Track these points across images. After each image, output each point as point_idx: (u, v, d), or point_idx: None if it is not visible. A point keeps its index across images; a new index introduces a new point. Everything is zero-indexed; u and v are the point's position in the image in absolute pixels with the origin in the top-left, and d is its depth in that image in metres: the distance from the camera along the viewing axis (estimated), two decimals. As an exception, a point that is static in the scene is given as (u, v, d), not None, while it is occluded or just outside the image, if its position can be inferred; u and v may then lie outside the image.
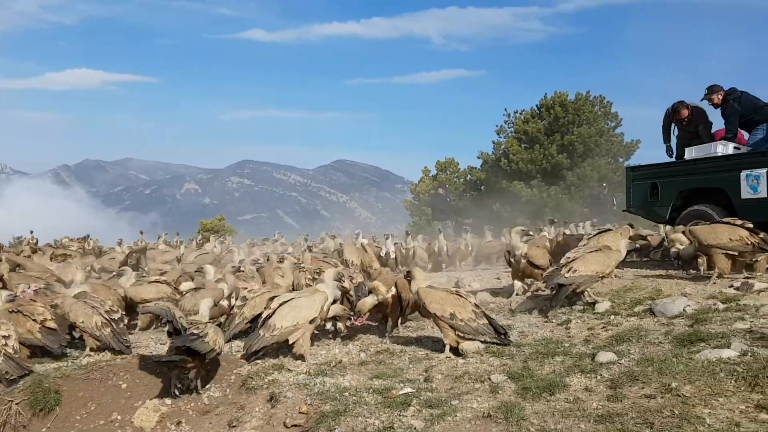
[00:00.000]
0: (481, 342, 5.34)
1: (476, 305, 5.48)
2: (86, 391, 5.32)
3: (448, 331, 5.34)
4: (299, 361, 5.48)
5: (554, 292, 6.57)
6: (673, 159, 9.42)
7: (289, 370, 5.21)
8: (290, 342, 5.46)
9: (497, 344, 5.35)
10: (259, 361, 5.48)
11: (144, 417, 4.94)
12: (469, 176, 27.69)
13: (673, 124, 9.55)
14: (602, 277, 6.62)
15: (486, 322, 5.40)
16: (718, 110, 8.88)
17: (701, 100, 8.94)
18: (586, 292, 6.55)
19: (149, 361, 5.82)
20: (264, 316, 5.62)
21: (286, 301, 5.62)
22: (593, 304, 6.42)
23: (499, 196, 24.13)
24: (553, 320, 6.32)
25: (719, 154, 8.21)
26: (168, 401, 5.10)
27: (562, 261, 6.67)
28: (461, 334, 5.31)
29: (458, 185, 27.38)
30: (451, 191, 26.16)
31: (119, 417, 5.06)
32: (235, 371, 5.39)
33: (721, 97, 8.67)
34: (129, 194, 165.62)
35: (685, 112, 9.34)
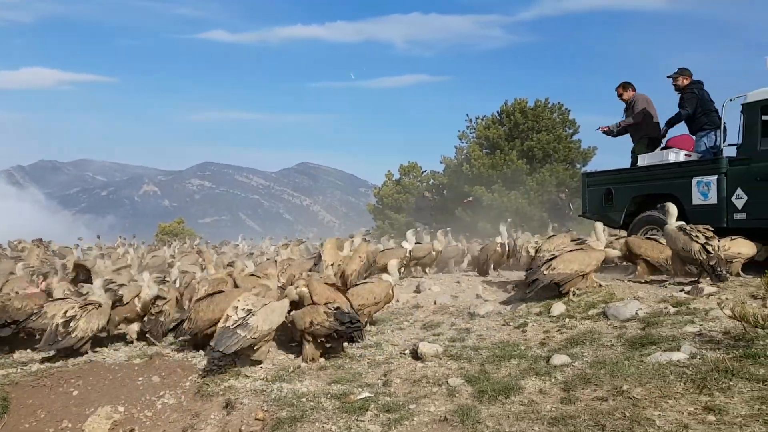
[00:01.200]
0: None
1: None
2: (36, 399, 5.16)
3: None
4: (256, 367, 5.42)
5: (530, 288, 6.91)
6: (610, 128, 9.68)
7: (246, 376, 5.16)
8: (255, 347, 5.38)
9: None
10: (214, 368, 5.40)
11: (96, 424, 4.82)
12: (431, 180, 27.87)
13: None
14: (583, 276, 6.81)
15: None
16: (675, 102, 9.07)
17: (667, 77, 9.04)
18: (570, 291, 6.77)
19: (102, 368, 5.70)
20: (240, 317, 5.33)
21: (265, 304, 5.51)
22: (550, 308, 6.53)
23: (461, 201, 24.34)
24: (511, 323, 6.39)
25: (671, 161, 8.44)
26: (121, 408, 4.99)
27: (544, 257, 6.93)
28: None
29: (421, 189, 27.53)
30: (415, 195, 26.28)
31: (70, 425, 4.92)
32: (190, 378, 5.31)
33: (686, 81, 8.82)
34: (85, 196, 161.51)
35: (621, 91, 9.61)
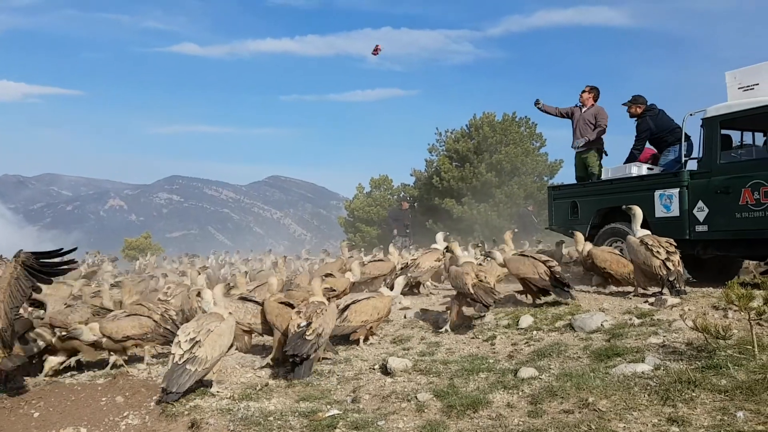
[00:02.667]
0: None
1: None
2: (-6, 422, 5.00)
3: None
4: (223, 385, 5.34)
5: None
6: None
7: (212, 395, 5.07)
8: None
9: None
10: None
11: (56, 448, 4.68)
12: (402, 193, 28.01)
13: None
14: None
15: None
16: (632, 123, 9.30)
17: (622, 104, 9.28)
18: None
19: (63, 388, 5.55)
20: (185, 350, 4.95)
21: (211, 330, 5.13)
22: (518, 320, 6.58)
23: (432, 213, 24.51)
24: (480, 336, 6.42)
25: (634, 175, 8.62)
26: (83, 430, 4.85)
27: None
28: None
29: (392, 202, 27.63)
30: (386, 208, 26.33)
31: (29, 448, 4.78)
32: (155, 398, 5.19)
33: (640, 110, 9.05)
34: (50, 211, 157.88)
35: (585, 96, 9.85)
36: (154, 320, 6.39)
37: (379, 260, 10.16)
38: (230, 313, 5.58)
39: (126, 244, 27.76)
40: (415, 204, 25.29)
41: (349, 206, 29.09)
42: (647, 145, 9.26)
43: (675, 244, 6.90)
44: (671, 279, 6.61)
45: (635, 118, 9.13)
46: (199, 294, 6.61)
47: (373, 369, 5.61)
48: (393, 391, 4.89)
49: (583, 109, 9.84)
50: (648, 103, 9.10)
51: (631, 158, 9.06)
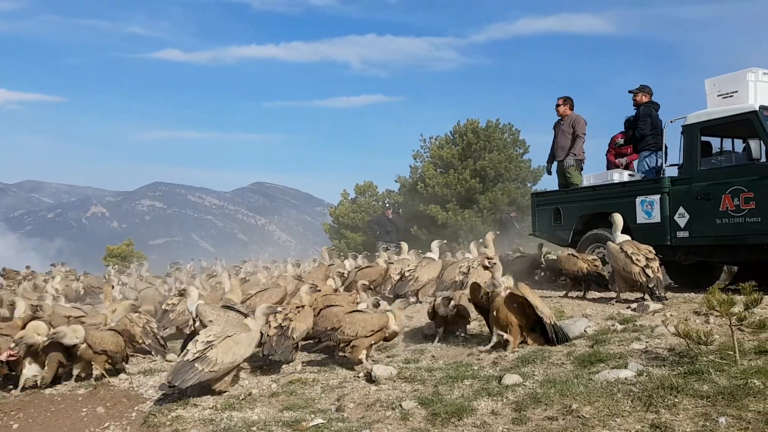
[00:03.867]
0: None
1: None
2: (-28, 434, 4.91)
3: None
4: (207, 395, 5.28)
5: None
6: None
7: (195, 405, 5.01)
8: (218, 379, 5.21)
9: None
10: (162, 397, 5.24)
11: (35, 461, 4.60)
12: (387, 199, 28.01)
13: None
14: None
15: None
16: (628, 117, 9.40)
17: (629, 91, 9.30)
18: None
19: (43, 399, 5.47)
20: (198, 349, 5.02)
21: (229, 335, 5.18)
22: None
23: (417, 219, 24.52)
24: (464, 343, 6.42)
25: (615, 181, 8.69)
26: (63, 442, 4.79)
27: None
28: None
29: (377, 208, 27.62)
30: (371, 215, 26.29)
31: (8, 461, 4.70)
32: (136, 408, 5.14)
33: (647, 98, 9.09)
34: (31, 218, 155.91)
35: (563, 109, 9.95)
36: (134, 333, 6.34)
37: (368, 267, 10.07)
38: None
39: (108, 251, 27.45)
40: (400, 210, 25.29)
41: (334, 212, 29.00)
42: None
43: (654, 251, 6.94)
44: (650, 285, 6.66)
45: (637, 108, 9.17)
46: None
47: (358, 377, 5.59)
48: (377, 399, 4.86)
49: (562, 123, 9.94)
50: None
51: (639, 139, 9.02)
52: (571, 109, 9.96)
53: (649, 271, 6.69)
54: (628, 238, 7.22)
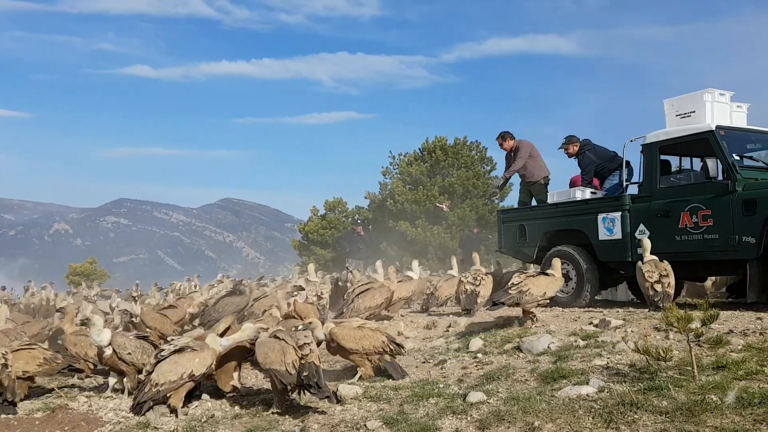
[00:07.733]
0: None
1: None
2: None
3: None
4: (167, 417, 5.17)
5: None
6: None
7: (156, 428, 4.91)
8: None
9: None
10: (122, 420, 5.12)
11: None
12: (357, 216, 28.00)
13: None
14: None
15: None
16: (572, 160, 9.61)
17: (558, 148, 9.63)
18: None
19: (11, 420, 5.30)
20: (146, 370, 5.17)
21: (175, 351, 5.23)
22: (468, 344, 6.62)
23: (386, 235, 24.55)
24: (431, 360, 6.44)
25: (578, 199, 8.85)
26: (18, 469, 4.64)
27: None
28: None
29: (346, 225, 27.58)
30: (340, 231, 26.23)
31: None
32: (96, 431, 5.01)
33: (576, 148, 9.40)
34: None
35: (508, 143, 10.15)
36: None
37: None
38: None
39: (70, 269, 26.82)
40: (370, 227, 25.31)
41: (303, 229, 28.86)
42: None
43: (669, 268, 7.18)
44: (656, 300, 7.04)
45: (574, 157, 9.45)
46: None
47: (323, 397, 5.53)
48: (342, 419, 4.83)
49: (510, 154, 10.21)
50: (581, 139, 9.44)
51: (590, 181, 9.29)
52: (512, 139, 10.19)
53: (657, 286, 7.05)
54: (655, 258, 7.30)
